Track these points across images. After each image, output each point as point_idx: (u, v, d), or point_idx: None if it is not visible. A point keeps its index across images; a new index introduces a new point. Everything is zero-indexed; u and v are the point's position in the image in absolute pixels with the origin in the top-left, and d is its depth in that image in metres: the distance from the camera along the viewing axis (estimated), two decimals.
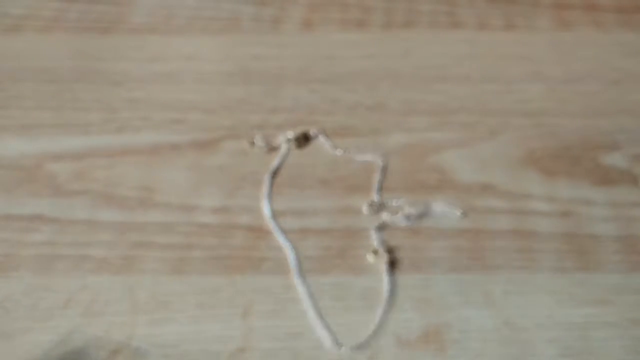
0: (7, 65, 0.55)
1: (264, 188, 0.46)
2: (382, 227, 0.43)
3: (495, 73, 0.54)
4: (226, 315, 0.39)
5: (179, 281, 0.40)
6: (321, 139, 0.49)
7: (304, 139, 0.49)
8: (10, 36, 0.57)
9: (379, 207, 0.44)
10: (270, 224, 0.43)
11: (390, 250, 0.42)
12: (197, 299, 0.40)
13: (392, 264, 0.41)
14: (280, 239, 0.43)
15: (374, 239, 0.42)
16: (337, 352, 0.37)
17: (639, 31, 0.58)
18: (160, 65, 0.55)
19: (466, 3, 0.61)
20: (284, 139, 0.49)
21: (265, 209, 0.44)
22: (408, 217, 0.44)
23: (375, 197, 0.45)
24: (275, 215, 0.44)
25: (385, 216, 0.44)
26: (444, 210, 0.44)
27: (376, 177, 0.46)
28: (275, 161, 0.47)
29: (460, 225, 0.43)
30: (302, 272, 0.41)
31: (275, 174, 0.47)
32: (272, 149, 0.48)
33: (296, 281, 0.40)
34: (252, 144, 0.48)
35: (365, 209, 0.44)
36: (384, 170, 0.47)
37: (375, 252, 0.42)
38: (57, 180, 0.46)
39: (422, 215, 0.44)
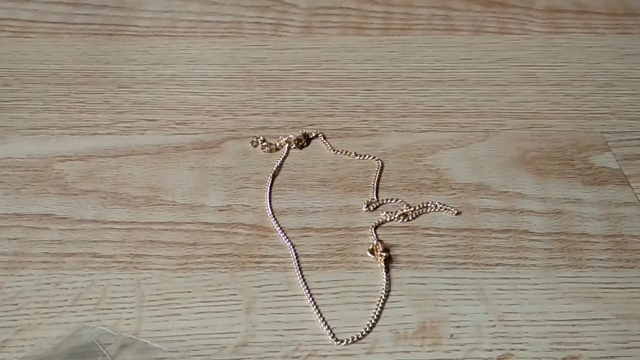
0: (16, 68, 0.55)
1: (266, 188, 0.46)
2: (380, 226, 0.44)
3: (490, 76, 0.55)
4: (230, 310, 0.39)
5: (184, 278, 0.41)
6: (321, 140, 0.50)
7: (304, 140, 0.49)
8: (19, 40, 0.58)
9: (377, 206, 0.45)
10: (272, 223, 0.44)
11: (386, 249, 0.42)
12: (202, 295, 0.40)
13: (389, 261, 0.42)
14: (282, 237, 0.43)
15: (372, 237, 0.43)
16: (336, 346, 0.38)
17: (630, 34, 0.58)
18: (165, 68, 0.55)
19: (462, 8, 0.61)
20: (285, 140, 0.49)
21: (267, 208, 0.45)
22: (405, 216, 0.45)
23: (373, 196, 0.46)
24: (276, 214, 0.45)
25: (383, 215, 0.45)
26: (440, 209, 0.45)
27: (374, 177, 0.47)
28: (276, 162, 0.48)
29: (455, 224, 0.44)
30: (303, 269, 0.42)
31: (276, 174, 0.47)
32: (273, 149, 0.49)
33: (297, 278, 0.41)
34: (255, 145, 0.49)
35: (363, 208, 0.45)
36: (382, 170, 0.48)
37: (373, 250, 0.42)
38: (65, 180, 0.47)
39: (419, 214, 0.45)
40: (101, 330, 0.38)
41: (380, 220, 0.44)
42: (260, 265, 0.42)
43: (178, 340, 0.38)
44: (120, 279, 0.41)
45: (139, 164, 0.48)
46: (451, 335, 0.38)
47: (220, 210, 0.45)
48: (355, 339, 0.38)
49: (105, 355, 0.37)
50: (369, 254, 0.42)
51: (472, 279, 0.41)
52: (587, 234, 0.43)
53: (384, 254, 0.42)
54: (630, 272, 0.41)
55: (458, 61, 0.56)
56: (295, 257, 0.42)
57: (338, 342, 0.38)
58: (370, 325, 0.39)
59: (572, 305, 0.39)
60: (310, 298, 0.40)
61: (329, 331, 0.38)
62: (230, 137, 0.50)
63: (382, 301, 0.40)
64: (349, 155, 0.49)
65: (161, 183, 0.47)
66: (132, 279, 0.41)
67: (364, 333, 0.38)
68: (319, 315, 0.39)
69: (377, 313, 0.39)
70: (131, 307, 0.40)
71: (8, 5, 0.61)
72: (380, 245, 0.42)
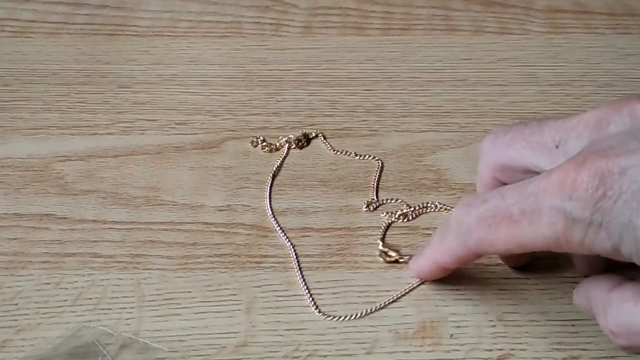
0: (16, 68, 0.55)
1: (266, 188, 0.46)
2: (380, 226, 0.44)
3: (490, 76, 0.55)
4: (230, 310, 0.40)
5: (185, 278, 0.41)
6: (321, 140, 0.50)
7: (304, 140, 0.50)
8: (19, 40, 0.58)
9: (377, 206, 0.45)
10: (272, 223, 0.44)
11: (395, 249, 0.42)
12: (202, 295, 0.40)
13: (399, 262, 0.42)
14: (282, 237, 0.43)
15: (373, 238, 0.43)
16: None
17: (630, 34, 0.58)
18: (165, 68, 0.55)
19: (462, 8, 0.61)
20: (285, 140, 0.49)
21: (267, 208, 0.45)
22: (405, 216, 0.45)
23: (373, 196, 0.46)
24: (276, 214, 0.45)
25: (383, 215, 0.45)
26: (440, 209, 0.45)
27: (374, 177, 0.47)
28: (276, 162, 0.48)
29: None
30: (303, 269, 0.42)
31: (276, 174, 0.47)
32: (273, 149, 0.49)
33: (297, 278, 0.41)
34: (255, 145, 0.49)
35: (363, 208, 0.45)
36: (382, 170, 0.48)
37: (383, 253, 0.42)
38: (65, 180, 0.47)
39: (419, 214, 0.45)
40: (101, 330, 0.38)
41: (381, 220, 0.44)
42: (260, 265, 0.42)
43: (178, 340, 0.38)
44: (120, 279, 0.41)
45: (139, 164, 0.48)
46: (451, 335, 0.38)
47: (220, 210, 0.45)
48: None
49: (105, 355, 0.37)
50: (380, 258, 0.42)
51: (471, 279, 0.41)
52: None
53: (396, 254, 0.42)
54: None
55: (458, 61, 0.56)
56: (295, 257, 0.42)
57: (330, 318, 0.39)
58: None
59: (572, 305, 0.39)
60: (310, 298, 0.40)
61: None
62: (230, 137, 0.50)
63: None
64: (349, 155, 0.49)
65: (161, 183, 0.47)
66: (132, 279, 0.41)
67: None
68: (319, 315, 0.39)
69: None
70: (131, 307, 0.40)
71: (8, 5, 0.61)
72: (382, 244, 0.42)
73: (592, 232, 0.29)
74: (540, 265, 0.41)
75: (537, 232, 0.31)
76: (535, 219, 0.31)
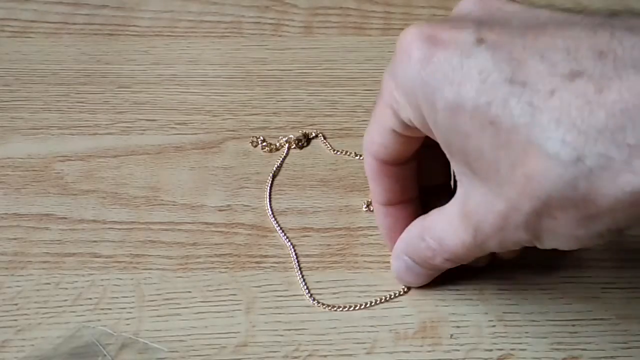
0: (16, 68, 0.55)
1: (266, 188, 0.46)
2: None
3: None
4: (230, 310, 0.40)
5: (185, 278, 0.41)
6: (321, 140, 0.50)
7: (304, 140, 0.50)
8: (19, 40, 0.57)
9: None
10: (272, 223, 0.44)
11: None
12: (202, 295, 0.40)
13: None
14: (282, 237, 0.43)
15: (373, 238, 0.43)
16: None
17: None
18: (165, 68, 0.55)
19: None
20: (285, 140, 0.49)
21: (267, 208, 0.45)
22: None
23: None
24: (276, 214, 0.45)
25: None
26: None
27: None
28: (276, 162, 0.48)
29: None
30: (303, 269, 0.42)
31: (276, 174, 0.47)
32: (273, 149, 0.49)
33: (297, 278, 0.41)
34: (255, 145, 0.49)
35: (363, 208, 0.45)
36: None
37: None
38: (65, 180, 0.47)
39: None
40: (101, 330, 0.39)
41: None
42: (260, 265, 0.42)
43: (178, 340, 0.38)
44: (120, 279, 0.41)
45: (139, 164, 0.48)
46: (451, 335, 0.38)
47: (220, 210, 0.45)
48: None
49: (105, 355, 0.37)
50: None
51: (471, 279, 0.41)
52: None
53: None
54: (630, 272, 0.41)
55: None
56: (295, 257, 0.42)
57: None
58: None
59: (572, 305, 0.40)
60: (310, 298, 0.40)
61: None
62: (230, 137, 0.50)
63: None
64: (349, 155, 0.49)
65: (161, 183, 0.47)
66: (132, 279, 0.41)
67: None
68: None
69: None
70: (131, 307, 0.40)
71: (8, 5, 0.61)
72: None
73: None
74: (540, 265, 0.41)
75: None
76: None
